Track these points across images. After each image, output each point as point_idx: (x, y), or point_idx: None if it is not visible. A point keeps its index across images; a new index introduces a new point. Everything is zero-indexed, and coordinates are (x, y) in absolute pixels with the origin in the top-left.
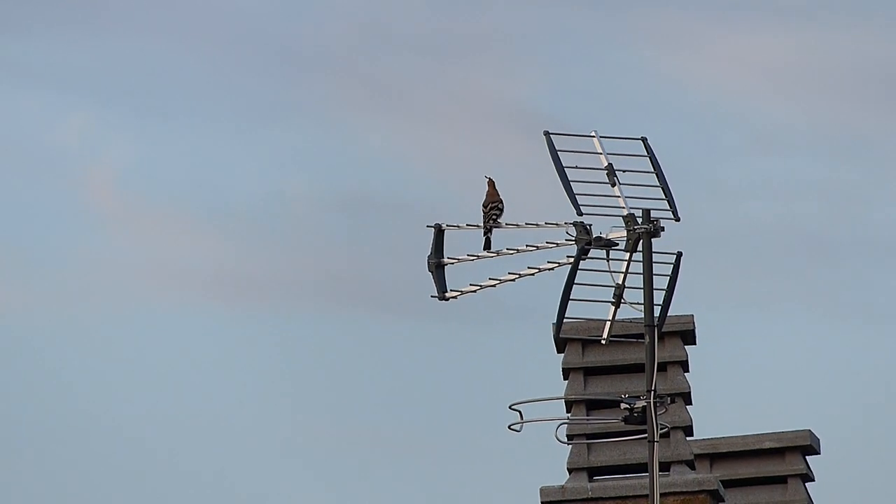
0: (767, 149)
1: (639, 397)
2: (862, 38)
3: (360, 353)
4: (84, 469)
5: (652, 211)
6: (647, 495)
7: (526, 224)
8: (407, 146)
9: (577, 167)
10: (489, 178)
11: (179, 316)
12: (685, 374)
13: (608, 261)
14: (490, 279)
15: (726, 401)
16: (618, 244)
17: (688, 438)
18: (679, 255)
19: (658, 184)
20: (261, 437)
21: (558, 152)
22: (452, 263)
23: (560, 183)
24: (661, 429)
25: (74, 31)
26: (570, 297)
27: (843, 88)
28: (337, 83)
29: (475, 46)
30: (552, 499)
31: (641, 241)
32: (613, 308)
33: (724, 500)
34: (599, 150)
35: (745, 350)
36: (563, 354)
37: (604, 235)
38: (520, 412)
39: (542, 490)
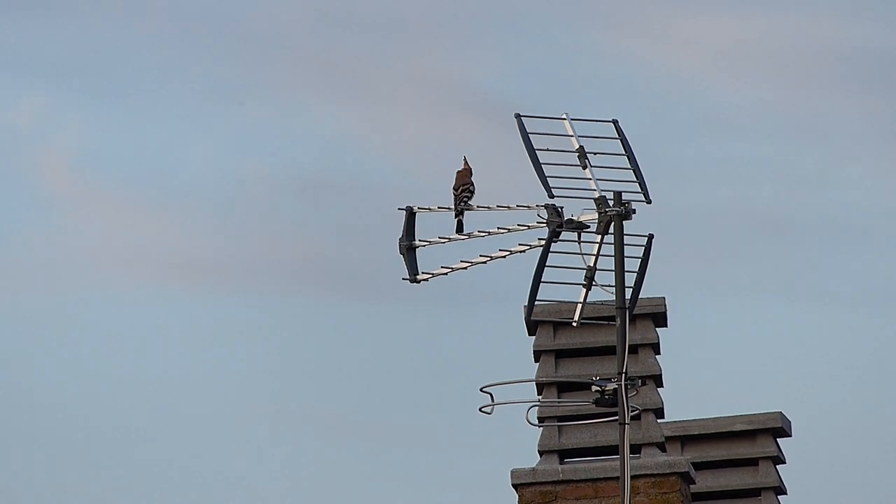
0: (721, 131)
1: (610, 380)
2: (816, 20)
3: (327, 336)
4: (36, 459)
5: (623, 193)
6: (617, 477)
7: (497, 207)
8: (363, 129)
9: (548, 150)
10: (465, 159)
11: (135, 299)
12: (656, 356)
13: (580, 243)
14: (461, 262)
15: (697, 383)
16: (589, 227)
17: (659, 421)
18: (650, 237)
19: (629, 166)
20: (222, 422)
21: (529, 135)
22: (424, 246)
23: (529, 165)
24: (632, 411)
25: (27, 12)
26: (542, 280)
27: (798, 71)
28: (293, 65)
29: (430, 29)
30: (523, 481)
31: (613, 223)
32: (585, 290)
33: (694, 482)
34: (570, 133)
35: (715, 332)
36: (534, 337)
37: (575, 218)
38: (491, 395)
39: (512, 472)
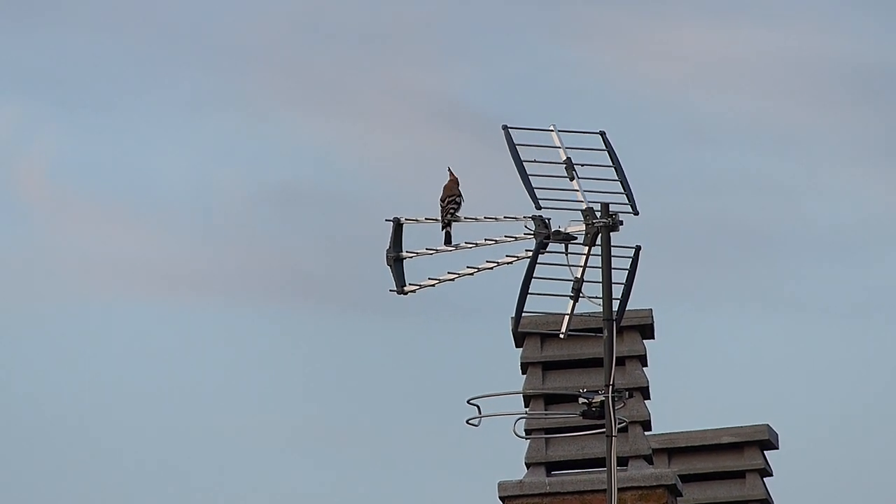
0: (700, 142)
1: (597, 392)
2: (798, 34)
3: (308, 348)
4: (11, 469)
5: (610, 205)
6: (604, 490)
7: (485, 218)
8: (340, 140)
9: (535, 161)
10: (450, 170)
11: (111, 310)
12: (643, 368)
13: (567, 255)
14: (448, 273)
15: (685, 395)
16: (576, 238)
17: (646, 433)
18: (638, 248)
19: (617, 178)
20: (199, 434)
21: (516, 146)
22: (411, 257)
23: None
24: (619, 423)
25: (3, 23)
26: (529, 292)
27: (779, 83)
28: (270, 76)
29: (408, 40)
30: (510, 493)
31: (600, 234)
32: (572, 302)
33: (681, 495)
34: (558, 144)
35: (703, 345)
36: (521, 349)
37: (562, 229)
38: (478, 407)
39: (500, 485)
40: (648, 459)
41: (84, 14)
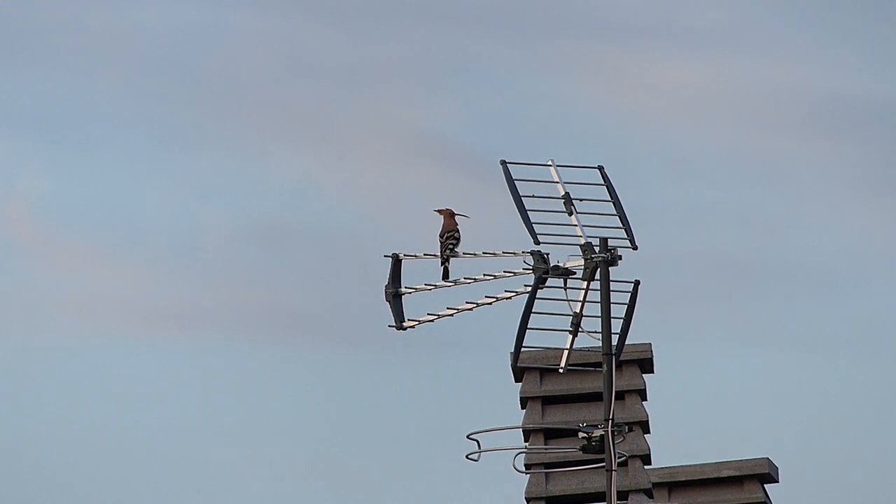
0: (686, 177)
1: (597, 426)
2: (782, 66)
3: (304, 384)
4: None
5: (609, 239)
6: None
7: (483, 253)
8: (324, 175)
9: (533, 196)
10: (447, 209)
11: (97, 348)
12: (643, 402)
13: (566, 289)
14: (447, 308)
15: (684, 429)
16: (575, 273)
17: (646, 467)
18: (637, 283)
19: (615, 212)
20: (185, 473)
21: (515, 181)
22: (409, 293)
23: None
24: (619, 457)
25: None
26: (528, 326)
27: (762, 116)
28: (250, 112)
29: (387, 75)
30: None
31: (599, 269)
32: (571, 337)
33: None
34: (556, 179)
35: (702, 378)
36: (520, 383)
37: (561, 264)
38: (477, 442)
39: None
40: (649, 493)
41: (67, 52)
